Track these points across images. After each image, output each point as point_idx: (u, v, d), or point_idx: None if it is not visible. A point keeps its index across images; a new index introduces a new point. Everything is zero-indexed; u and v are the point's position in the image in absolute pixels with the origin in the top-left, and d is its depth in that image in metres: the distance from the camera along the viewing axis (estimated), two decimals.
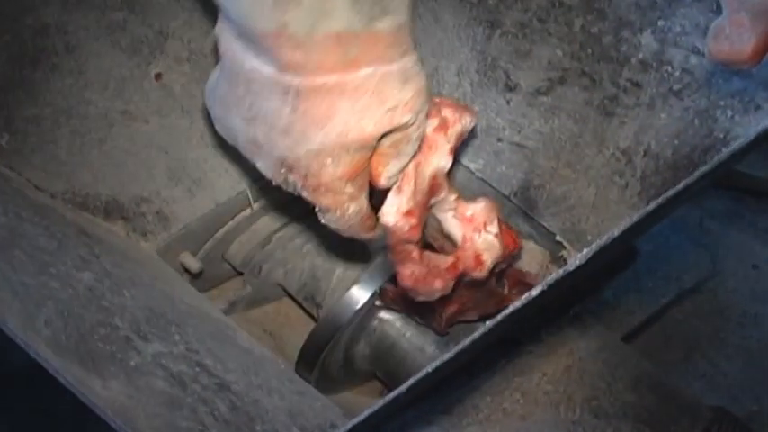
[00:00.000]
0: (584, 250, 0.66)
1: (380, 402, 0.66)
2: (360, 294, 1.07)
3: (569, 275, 0.65)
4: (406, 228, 0.86)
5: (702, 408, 1.08)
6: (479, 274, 0.92)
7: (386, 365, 1.13)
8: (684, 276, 1.58)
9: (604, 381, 1.05)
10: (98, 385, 0.67)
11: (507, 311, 0.66)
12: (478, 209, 0.93)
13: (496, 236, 0.93)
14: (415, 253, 0.89)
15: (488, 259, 0.92)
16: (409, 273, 0.90)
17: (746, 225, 1.71)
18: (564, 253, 1.05)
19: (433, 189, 0.89)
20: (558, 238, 1.05)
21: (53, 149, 0.95)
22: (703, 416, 1.06)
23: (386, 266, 1.05)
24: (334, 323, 1.08)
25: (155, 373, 0.74)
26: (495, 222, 0.93)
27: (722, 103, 0.86)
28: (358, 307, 1.07)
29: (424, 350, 1.09)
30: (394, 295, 1.03)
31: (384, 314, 1.11)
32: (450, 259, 0.91)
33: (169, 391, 0.73)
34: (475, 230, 0.92)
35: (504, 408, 1.02)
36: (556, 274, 0.66)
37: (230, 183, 1.09)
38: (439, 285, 0.91)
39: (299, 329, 1.29)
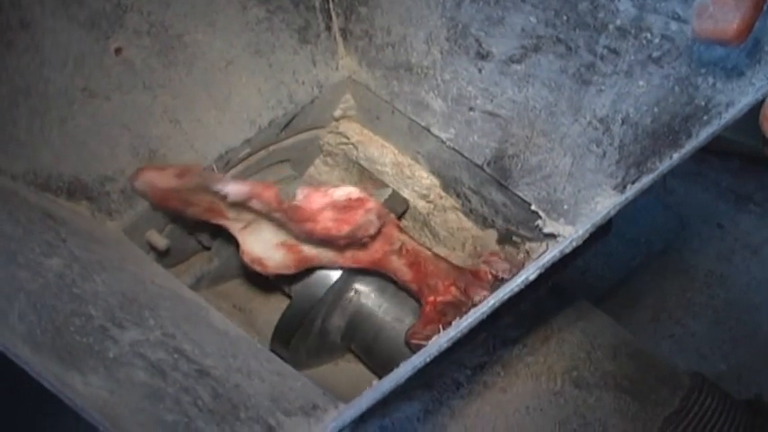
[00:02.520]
0: (575, 233, 0.64)
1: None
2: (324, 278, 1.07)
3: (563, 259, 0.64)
4: None
5: (681, 374, 1.09)
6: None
7: (362, 338, 1.12)
8: (653, 239, 1.58)
9: (584, 350, 1.05)
10: (78, 382, 0.64)
11: (501, 295, 0.64)
12: None
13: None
14: None
15: None
16: None
17: (710, 184, 1.72)
18: (540, 223, 1.03)
19: None
20: (533, 207, 1.03)
21: (12, 130, 0.91)
22: (683, 383, 1.07)
23: None
24: (309, 299, 1.06)
25: (134, 364, 0.72)
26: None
27: (704, 70, 0.84)
28: (332, 281, 1.06)
29: (402, 321, 1.08)
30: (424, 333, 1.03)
31: (359, 285, 1.10)
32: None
33: (150, 382, 0.71)
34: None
35: (484, 381, 1.01)
36: (546, 257, 0.64)
37: (195, 158, 1.06)
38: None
39: (268, 303, 1.28)
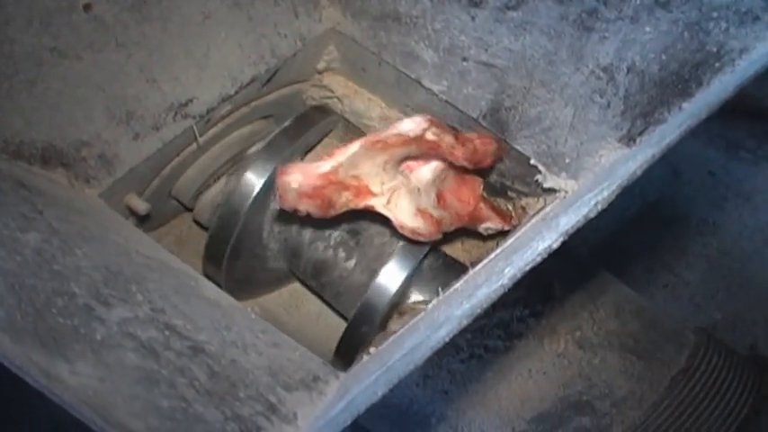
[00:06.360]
0: (599, 196, 0.59)
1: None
2: (254, 180, 1.03)
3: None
4: None
5: (686, 331, 1.05)
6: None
7: (300, 257, 1.09)
8: (647, 189, 1.55)
9: (586, 309, 1.02)
10: (65, 371, 0.59)
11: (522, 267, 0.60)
12: None
13: None
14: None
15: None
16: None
17: (701, 131, 1.68)
18: (539, 177, 0.99)
19: None
20: (532, 161, 0.99)
21: None
22: (688, 341, 1.03)
23: (277, 147, 1.05)
24: (234, 211, 1.03)
25: (123, 345, 0.67)
26: None
27: (715, 14, 0.80)
28: (254, 194, 1.03)
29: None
30: None
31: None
32: None
33: (142, 364, 0.66)
34: None
35: (485, 344, 0.98)
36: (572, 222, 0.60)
37: (175, 119, 1.00)
38: None
39: None
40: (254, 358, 0.78)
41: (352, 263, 1.05)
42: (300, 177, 0.91)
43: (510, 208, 1.10)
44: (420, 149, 0.95)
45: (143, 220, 1.07)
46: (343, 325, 1.14)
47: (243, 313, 0.87)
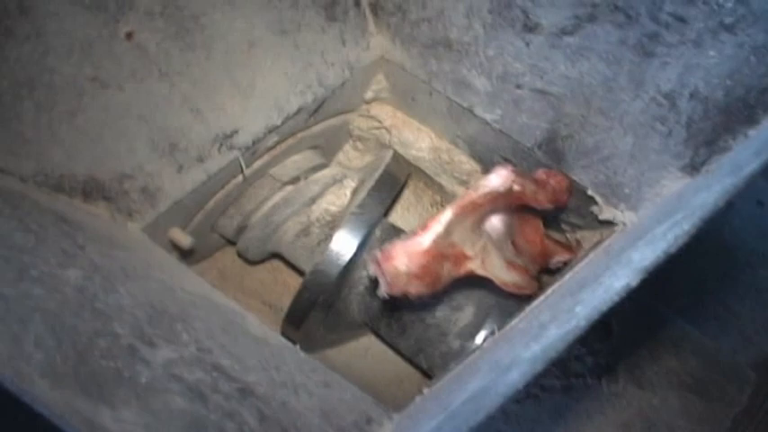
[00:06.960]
0: (684, 226, 0.56)
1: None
2: (346, 244, 1.00)
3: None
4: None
5: (746, 369, 1.01)
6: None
7: (383, 312, 1.06)
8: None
9: (645, 347, 0.98)
10: (109, 418, 0.56)
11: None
12: None
13: None
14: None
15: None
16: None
17: None
18: (595, 209, 0.95)
19: None
20: (589, 192, 0.95)
21: (17, 126, 0.83)
22: (749, 378, 0.99)
23: (371, 211, 1.02)
24: (322, 280, 1.00)
25: (170, 389, 0.64)
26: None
27: None
28: (346, 260, 1.00)
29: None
30: None
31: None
32: None
33: (189, 408, 0.63)
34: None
35: (540, 384, 0.94)
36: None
37: (220, 150, 0.97)
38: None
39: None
40: (305, 399, 0.75)
41: (442, 323, 1.02)
42: (406, 259, 0.86)
43: (567, 239, 1.06)
44: (506, 203, 0.91)
45: (186, 255, 1.04)
46: (395, 361, 1.11)
47: (292, 352, 0.84)
